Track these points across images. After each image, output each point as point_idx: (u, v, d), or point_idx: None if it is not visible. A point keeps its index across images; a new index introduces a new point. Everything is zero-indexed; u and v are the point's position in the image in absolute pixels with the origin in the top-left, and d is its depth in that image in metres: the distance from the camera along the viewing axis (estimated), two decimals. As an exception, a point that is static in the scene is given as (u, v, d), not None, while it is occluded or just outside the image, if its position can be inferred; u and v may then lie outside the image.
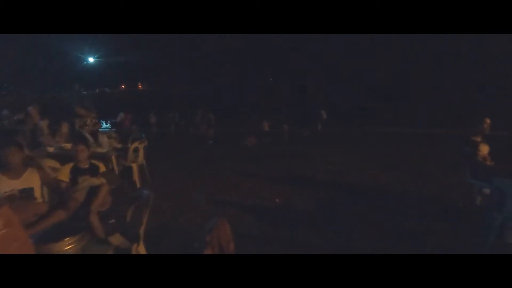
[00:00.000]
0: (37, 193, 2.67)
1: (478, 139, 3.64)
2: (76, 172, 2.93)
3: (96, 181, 2.91)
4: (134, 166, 4.75)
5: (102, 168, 3.10)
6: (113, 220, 2.87)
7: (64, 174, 2.90)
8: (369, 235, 3.12)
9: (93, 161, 3.09)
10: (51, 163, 3.97)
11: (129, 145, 4.94)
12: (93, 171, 3.01)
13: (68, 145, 4.96)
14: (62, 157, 3.91)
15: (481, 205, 3.68)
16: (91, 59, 26.60)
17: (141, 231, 2.33)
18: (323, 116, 11.75)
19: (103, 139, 4.75)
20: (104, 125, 16.02)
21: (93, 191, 2.82)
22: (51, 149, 4.71)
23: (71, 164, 2.98)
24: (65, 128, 5.76)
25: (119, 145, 5.00)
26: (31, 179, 2.70)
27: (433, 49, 13.14)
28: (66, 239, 2.10)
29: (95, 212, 2.68)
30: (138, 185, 4.75)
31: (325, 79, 15.67)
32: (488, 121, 3.58)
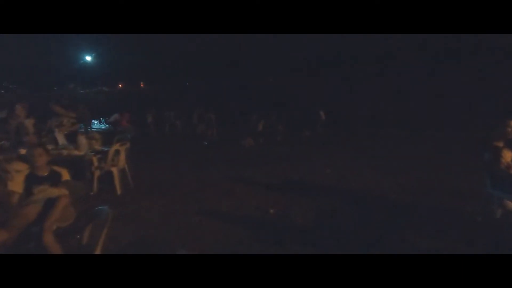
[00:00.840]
0: (-21, 207, 2.25)
1: (501, 144, 3.18)
2: (32, 181, 2.49)
3: (55, 191, 2.47)
4: (115, 171, 4.31)
5: (66, 175, 2.66)
6: (79, 236, 2.44)
7: (17, 183, 2.46)
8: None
9: (54, 168, 2.65)
10: (20, 166, 3.53)
11: (110, 147, 4.50)
12: (53, 179, 2.57)
13: (48, 146, 4.54)
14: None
15: (502, 220, 3.24)
16: (88, 58, 26.20)
17: (95, 258, 1.89)
18: (321, 117, 11.17)
19: (81, 141, 4.30)
20: (99, 125, 15.59)
21: (52, 203, 2.40)
22: (23, 151, 4.26)
23: (26, 171, 2.54)
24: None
25: (99, 147, 4.56)
26: (-28, 190, 2.28)
27: (436, 47, 12.69)
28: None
29: (50, 229, 2.24)
30: (118, 192, 4.32)
31: (324, 79, 15.24)
32: (512, 124, 3.17)
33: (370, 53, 13.66)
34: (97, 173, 4.32)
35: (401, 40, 12.31)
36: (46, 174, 2.57)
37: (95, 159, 4.41)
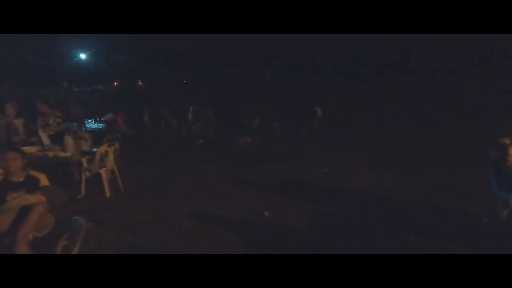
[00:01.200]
0: None
1: (507, 141, 3.02)
2: (5, 188, 2.30)
3: (31, 198, 2.28)
4: (103, 173, 4.12)
5: (44, 180, 2.47)
6: (66, 243, 2.25)
7: (-11, 190, 2.27)
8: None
9: (31, 172, 2.46)
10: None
11: (98, 148, 4.30)
12: (30, 185, 2.38)
13: (33, 148, 4.34)
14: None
15: (508, 220, 3.10)
16: (83, 56, 25.79)
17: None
18: (318, 113, 10.88)
19: (68, 141, 4.10)
20: (93, 125, 15.33)
21: (27, 212, 2.21)
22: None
23: (0, 177, 2.35)
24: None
25: (88, 148, 4.36)
26: None
27: (437, 46, 12.51)
28: None
29: (24, 239, 2.06)
30: (107, 194, 4.14)
31: (322, 76, 15.03)
32: (519, 120, 3.03)
33: (370, 52, 13.46)
34: (85, 175, 4.13)
35: (401, 39, 12.12)
36: (21, 179, 2.38)
37: (84, 160, 4.22)
